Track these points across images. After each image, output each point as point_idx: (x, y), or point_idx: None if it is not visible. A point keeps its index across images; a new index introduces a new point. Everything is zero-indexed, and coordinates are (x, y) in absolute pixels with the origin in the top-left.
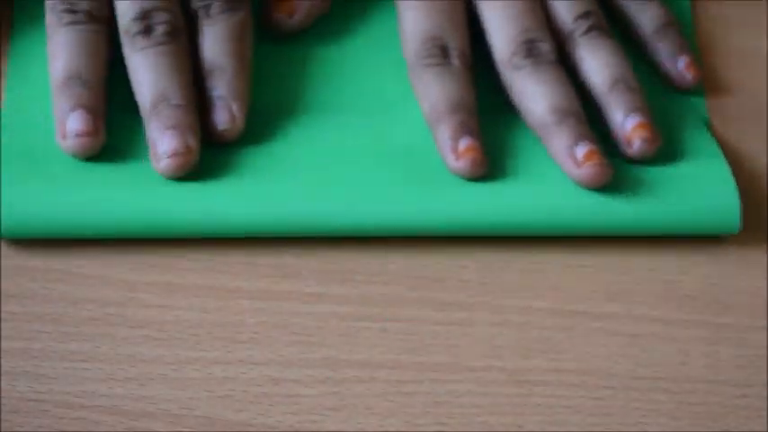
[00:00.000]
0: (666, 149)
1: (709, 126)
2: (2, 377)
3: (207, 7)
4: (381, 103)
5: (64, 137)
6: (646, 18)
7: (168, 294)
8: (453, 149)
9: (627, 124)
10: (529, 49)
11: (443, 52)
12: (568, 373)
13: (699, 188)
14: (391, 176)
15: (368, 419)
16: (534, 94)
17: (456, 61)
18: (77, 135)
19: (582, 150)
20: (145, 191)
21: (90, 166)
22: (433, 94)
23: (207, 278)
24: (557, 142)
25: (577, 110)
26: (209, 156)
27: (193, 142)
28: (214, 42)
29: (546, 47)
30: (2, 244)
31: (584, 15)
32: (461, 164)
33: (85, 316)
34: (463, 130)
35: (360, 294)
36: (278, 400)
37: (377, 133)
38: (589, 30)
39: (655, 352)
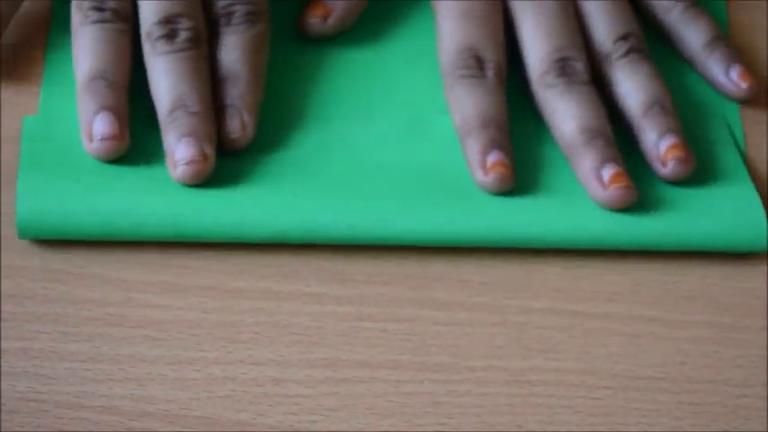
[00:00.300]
0: (696, 168)
1: (740, 141)
2: (2, 377)
3: (229, 15)
4: (411, 111)
5: (90, 139)
6: (693, 34)
7: (168, 294)
8: (482, 164)
9: (661, 145)
10: (562, 68)
11: (478, 64)
12: (568, 373)
13: (725, 209)
14: (418, 189)
15: (368, 419)
16: (564, 113)
17: (490, 73)
18: (103, 138)
19: (608, 172)
20: (162, 197)
21: (111, 170)
22: (464, 107)
23: (207, 278)
24: (583, 163)
25: (606, 131)
26: (230, 164)
27: (210, 150)
28: (232, 51)
29: (580, 66)
30: (2, 244)
31: (624, 37)
32: (489, 179)
33: (85, 316)
34: (493, 144)
35: (360, 294)
36: (278, 400)
37: (405, 144)
38: (627, 53)
39: (655, 352)
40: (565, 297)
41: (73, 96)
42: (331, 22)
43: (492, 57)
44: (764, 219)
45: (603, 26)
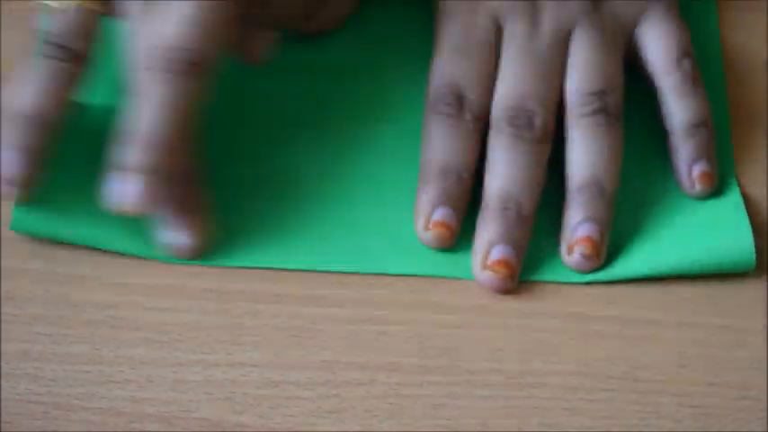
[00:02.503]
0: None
1: (732, 163)
2: (2, 379)
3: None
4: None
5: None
6: (679, 111)
7: (168, 297)
8: (426, 217)
9: (576, 232)
10: (515, 117)
11: (459, 102)
12: (567, 376)
13: (713, 234)
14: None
15: (367, 422)
16: (496, 167)
17: (468, 115)
18: None
19: (496, 254)
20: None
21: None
22: (431, 147)
23: (207, 281)
24: (484, 231)
25: (526, 203)
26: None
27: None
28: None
29: (537, 121)
30: (2, 246)
31: (596, 93)
32: (428, 236)
33: (85, 318)
34: (442, 198)
35: (360, 297)
36: (277, 402)
37: (401, 159)
38: (594, 113)
39: (654, 354)
40: (564, 300)
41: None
42: (313, 25)
43: (474, 97)
44: (751, 240)
45: (579, 77)
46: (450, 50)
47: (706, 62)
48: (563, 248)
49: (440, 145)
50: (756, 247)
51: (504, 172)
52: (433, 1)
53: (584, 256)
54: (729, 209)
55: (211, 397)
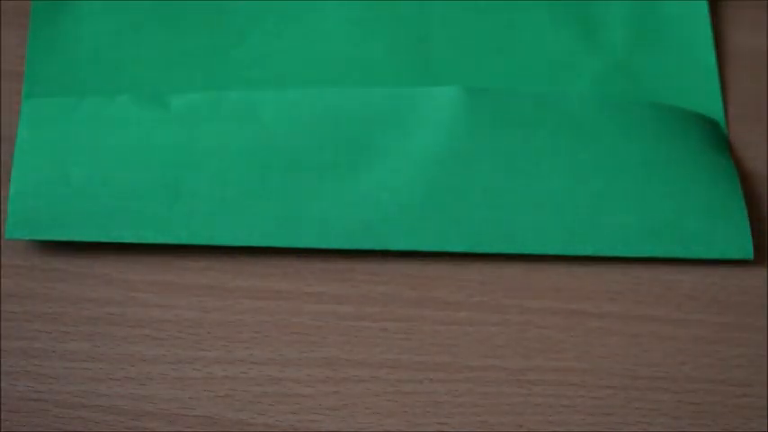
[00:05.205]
0: (683, 174)
1: (727, 144)
2: (2, 376)
3: None
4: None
5: None
6: None
7: (168, 294)
8: None
9: None
10: None
11: None
12: (568, 373)
13: (710, 218)
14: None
15: (368, 419)
16: None
17: None
18: None
19: None
20: (151, 204)
21: (101, 174)
22: None
23: (207, 277)
24: None
25: None
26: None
27: None
28: None
29: None
30: (2, 244)
31: None
32: None
33: (85, 315)
34: None
35: (360, 294)
36: (278, 399)
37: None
38: None
39: (655, 351)
40: (565, 296)
41: (62, 87)
42: None
43: None
44: (748, 229)
45: None
46: None
47: (699, 59)
48: None
49: None
50: (756, 243)
51: None
52: None
53: None
54: (728, 198)
55: (211, 394)
